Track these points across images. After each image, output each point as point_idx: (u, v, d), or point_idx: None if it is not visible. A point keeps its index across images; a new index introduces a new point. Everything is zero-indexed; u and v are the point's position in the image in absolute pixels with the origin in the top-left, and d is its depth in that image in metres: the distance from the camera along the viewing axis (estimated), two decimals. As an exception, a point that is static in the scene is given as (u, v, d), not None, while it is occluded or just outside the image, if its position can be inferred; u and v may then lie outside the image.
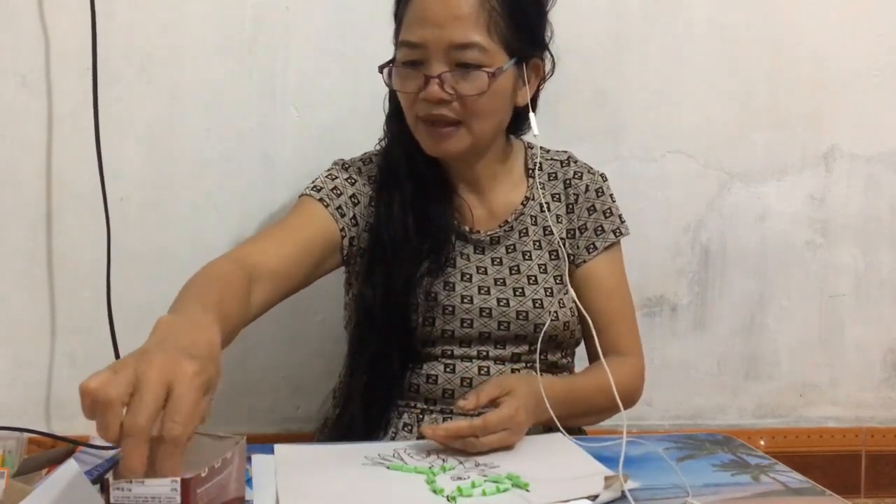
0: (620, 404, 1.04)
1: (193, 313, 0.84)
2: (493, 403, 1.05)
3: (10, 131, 1.48)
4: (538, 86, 1.25)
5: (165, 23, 1.51)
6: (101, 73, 1.47)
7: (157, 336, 0.75)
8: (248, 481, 0.91)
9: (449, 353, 1.22)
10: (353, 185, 1.25)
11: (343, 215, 1.22)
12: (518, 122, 1.27)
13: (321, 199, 1.22)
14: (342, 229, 1.22)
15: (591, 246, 1.29)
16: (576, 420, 1.21)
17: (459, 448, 1.01)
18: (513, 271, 1.25)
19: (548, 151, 1.34)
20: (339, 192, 1.24)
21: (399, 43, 1.18)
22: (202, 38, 1.52)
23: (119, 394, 0.63)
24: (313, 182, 1.25)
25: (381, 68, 1.19)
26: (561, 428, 1.07)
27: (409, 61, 1.16)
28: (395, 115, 1.25)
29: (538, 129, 1.21)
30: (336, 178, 1.25)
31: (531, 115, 1.21)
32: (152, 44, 1.51)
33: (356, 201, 1.24)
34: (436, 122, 1.16)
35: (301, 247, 1.16)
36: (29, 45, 1.47)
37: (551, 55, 1.24)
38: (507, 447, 1.03)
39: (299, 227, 1.19)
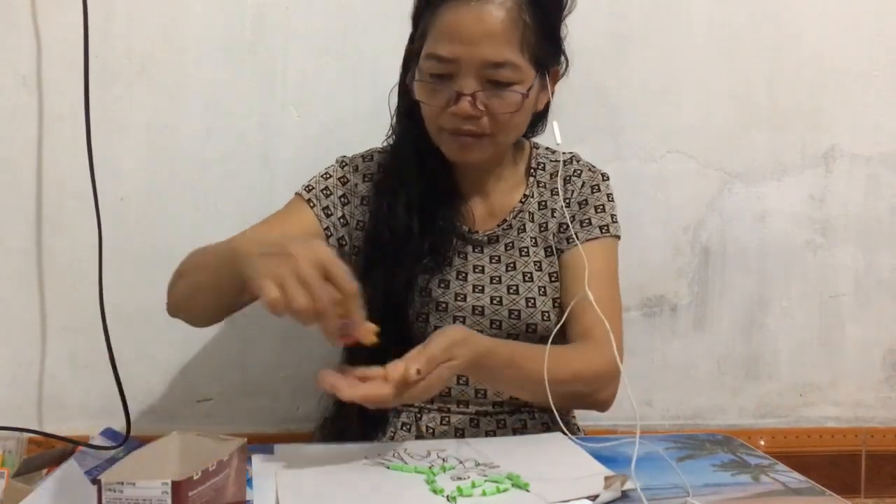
0: (631, 377, 0.96)
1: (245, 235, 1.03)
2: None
3: (10, 131, 1.48)
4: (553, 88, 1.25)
5: (165, 23, 1.51)
6: (100, 73, 1.47)
7: (255, 243, 0.94)
8: (249, 481, 0.91)
9: None
10: (344, 184, 1.27)
11: (329, 215, 1.25)
12: (531, 124, 1.27)
13: (308, 200, 1.25)
14: (326, 228, 1.24)
15: (573, 237, 1.26)
16: (521, 392, 1.16)
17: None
18: (509, 268, 1.26)
19: (553, 153, 1.34)
20: (328, 192, 1.26)
21: (426, 55, 1.15)
22: (202, 38, 1.52)
23: (306, 301, 0.85)
24: (308, 180, 1.28)
25: (409, 81, 1.19)
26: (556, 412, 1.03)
27: (437, 74, 1.15)
28: (408, 115, 1.24)
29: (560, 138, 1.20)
30: (329, 177, 1.28)
31: (554, 124, 1.20)
32: (152, 44, 1.51)
33: (346, 201, 1.26)
34: (462, 133, 1.16)
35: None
36: (29, 45, 1.47)
37: (566, 57, 1.24)
38: None
39: (280, 225, 1.22)
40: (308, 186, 1.27)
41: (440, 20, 1.14)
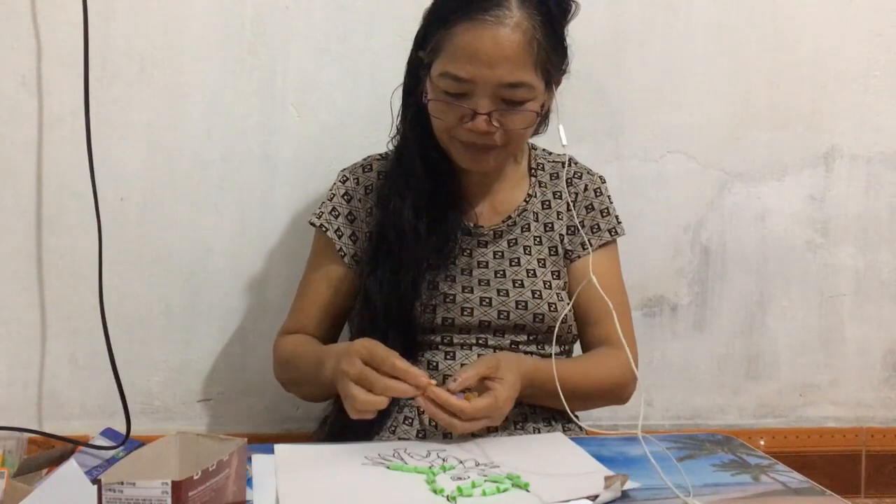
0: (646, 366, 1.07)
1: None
2: (481, 382, 1.07)
3: (11, 131, 1.48)
4: None
5: (165, 23, 1.51)
6: (100, 73, 1.47)
7: (334, 358, 1.10)
8: (249, 481, 0.91)
9: (448, 340, 1.25)
10: (349, 202, 1.32)
11: (341, 236, 1.30)
12: None
13: (321, 226, 1.31)
14: (339, 250, 1.30)
15: (587, 243, 1.31)
16: (559, 403, 1.21)
17: (440, 422, 1.04)
18: (513, 263, 1.28)
19: (550, 154, 1.39)
20: (336, 212, 1.32)
21: (442, 73, 1.16)
22: (202, 38, 1.52)
23: (363, 397, 1.02)
24: (318, 206, 1.33)
25: (424, 99, 1.20)
26: (569, 412, 1.09)
27: (452, 90, 1.17)
28: (414, 119, 1.25)
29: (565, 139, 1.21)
30: (334, 196, 1.33)
31: (560, 127, 1.21)
32: (152, 44, 1.51)
33: (352, 218, 1.31)
34: (476, 146, 1.20)
35: (329, 304, 1.31)
36: (29, 45, 1.47)
37: (568, 59, 1.25)
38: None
39: (321, 288, 1.32)
40: (318, 213, 1.32)
41: (456, 40, 1.15)
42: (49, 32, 1.47)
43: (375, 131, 1.37)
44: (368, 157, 1.36)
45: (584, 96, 1.63)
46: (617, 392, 1.28)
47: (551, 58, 1.18)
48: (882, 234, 1.78)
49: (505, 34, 1.13)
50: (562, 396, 1.06)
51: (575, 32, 1.24)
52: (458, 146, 1.21)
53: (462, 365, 1.22)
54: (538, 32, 1.15)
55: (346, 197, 1.32)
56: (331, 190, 1.34)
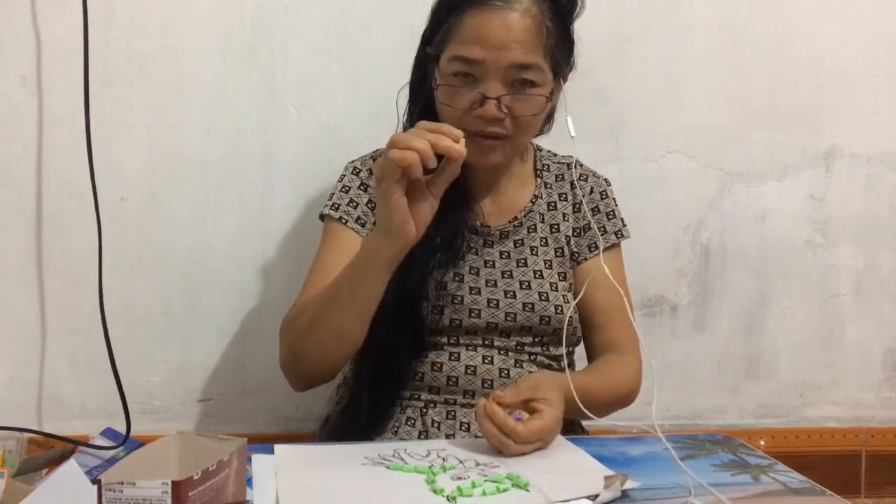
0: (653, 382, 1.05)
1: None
2: (526, 404, 1.05)
3: (11, 131, 1.48)
4: None
5: (165, 23, 1.51)
6: (100, 73, 1.47)
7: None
8: (249, 481, 0.91)
9: (454, 340, 1.24)
10: (365, 190, 1.29)
11: (364, 224, 1.27)
12: None
13: (340, 218, 1.26)
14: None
15: (593, 245, 1.32)
16: (582, 415, 1.21)
17: (493, 444, 1.02)
18: (519, 264, 1.28)
19: (555, 155, 1.38)
20: (354, 203, 1.28)
21: (451, 57, 1.17)
22: (202, 38, 1.52)
23: (405, 137, 1.00)
24: (330, 198, 1.29)
25: (435, 86, 1.20)
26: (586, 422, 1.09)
27: (461, 74, 1.17)
28: (423, 117, 1.24)
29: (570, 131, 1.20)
30: (349, 188, 1.29)
31: (568, 119, 1.20)
32: (152, 44, 1.51)
33: (373, 205, 1.27)
34: (484, 136, 1.19)
35: None
36: (29, 45, 1.47)
37: (574, 59, 1.26)
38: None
39: (329, 256, 1.24)
40: (334, 205, 1.28)
41: (466, 25, 1.16)
42: (49, 32, 1.47)
43: (375, 131, 1.36)
44: (375, 150, 1.34)
45: (584, 96, 1.61)
46: (627, 397, 1.29)
47: (559, 46, 1.19)
48: (882, 234, 1.78)
49: (515, 18, 1.14)
50: (583, 408, 1.04)
51: (576, 32, 1.24)
52: (467, 140, 1.20)
53: (467, 367, 1.22)
54: (547, 19, 1.16)
55: (363, 187, 1.29)
56: (343, 182, 1.31)
